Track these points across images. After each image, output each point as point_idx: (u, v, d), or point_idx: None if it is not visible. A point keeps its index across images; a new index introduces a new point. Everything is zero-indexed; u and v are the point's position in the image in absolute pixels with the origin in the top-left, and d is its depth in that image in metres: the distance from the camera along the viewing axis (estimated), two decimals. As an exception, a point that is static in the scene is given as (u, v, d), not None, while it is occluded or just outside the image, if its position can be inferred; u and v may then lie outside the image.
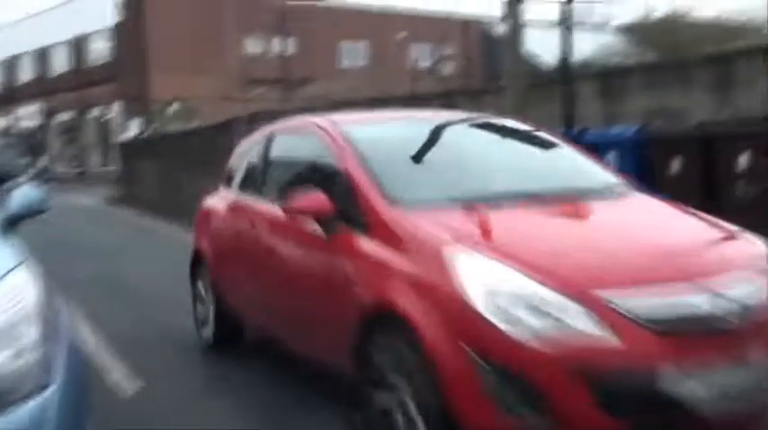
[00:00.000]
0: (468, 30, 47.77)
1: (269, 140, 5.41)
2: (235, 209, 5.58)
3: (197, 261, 6.13)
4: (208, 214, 6.13)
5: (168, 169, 18.79)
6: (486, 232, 3.42)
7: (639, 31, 32.72)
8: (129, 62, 37.82)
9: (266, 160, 5.34)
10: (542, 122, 9.84)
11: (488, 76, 41.42)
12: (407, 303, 3.28)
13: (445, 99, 11.79)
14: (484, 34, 48.21)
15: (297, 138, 5.07)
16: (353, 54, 45.17)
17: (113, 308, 7.74)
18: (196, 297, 6.16)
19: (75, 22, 40.70)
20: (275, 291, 4.75)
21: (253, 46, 41.70)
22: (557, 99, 10.18)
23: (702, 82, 8.87)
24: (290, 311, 4.57)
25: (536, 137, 4.88)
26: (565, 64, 7.34)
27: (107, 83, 39.01)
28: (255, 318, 5.32)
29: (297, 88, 37.47)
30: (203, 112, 31.05)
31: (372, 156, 4.14)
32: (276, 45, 41.67)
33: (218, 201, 5.98)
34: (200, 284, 6.06)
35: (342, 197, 3.95)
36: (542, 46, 46.28)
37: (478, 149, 4.56)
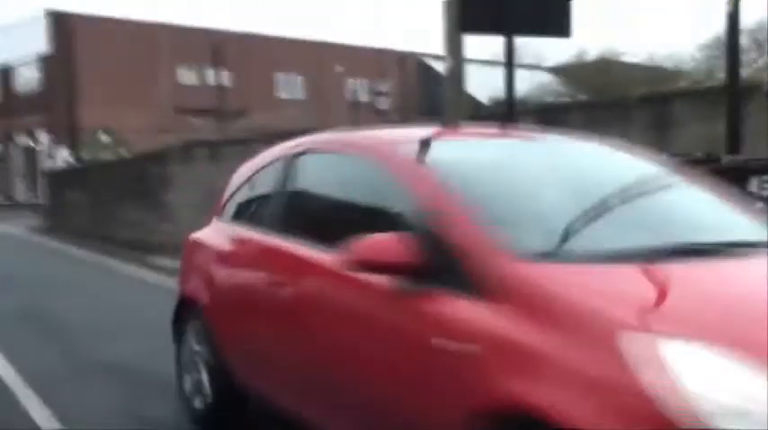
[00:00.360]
0: (404, 64, 48.16)
1: (292, 162, 4.17)
2: (243, 247, 4.38)
3: (185, 309, 4.77)
4: (199, 251, 4.86)
5: (98, 199, 18.26)
6: (674, 304, 2.45)
7: (572, 72, 33.45)
8: (58, 91, 36.98)
9: (289, 188, 4.12)
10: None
11: (426, 110, 41.78)
12: (559, 406, 2.29)
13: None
14: (421, 68, 48.73)
15: (342, 159, 3.82)
16: (290, 86, 45.05)
17: (35, 340, 7.33)
18: (181, 355, 4.78)
19: (3, 50, 39.69)
20: (313, 363, 3.54)
21: (186, 77, 41.25)
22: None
23: (640, 121, 8.97)
24: (337, 393, 3.38)
25: (667, 169, 3.71)
26: (510, 99, 7.29)
27: (36, 111, 38.04)
28: (275, 391, 3.98)
29: (232, 119, 37.13)
30: (134, 143, 30.50)
31: (473, 185, 3.11)
32: (211, 76, 41.30)
33: (214, 235, 4.79)
34: (191, 339, 4.65)
35: (430, 243, 2.86)
36: (476, 84, 47.00)
37: (611, 181, 3.29)
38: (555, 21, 7.24)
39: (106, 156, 29.30)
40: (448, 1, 8.22)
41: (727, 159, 5.12)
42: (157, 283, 11.35)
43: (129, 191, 15.81)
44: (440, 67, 48.79)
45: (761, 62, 32.25)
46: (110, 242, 16.42)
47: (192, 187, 13.81)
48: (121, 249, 15.37)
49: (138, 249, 14.61)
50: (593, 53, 34.18)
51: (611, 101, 10.00)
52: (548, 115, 9.90)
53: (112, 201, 16.88)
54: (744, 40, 33.68)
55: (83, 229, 19.43)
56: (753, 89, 7.79)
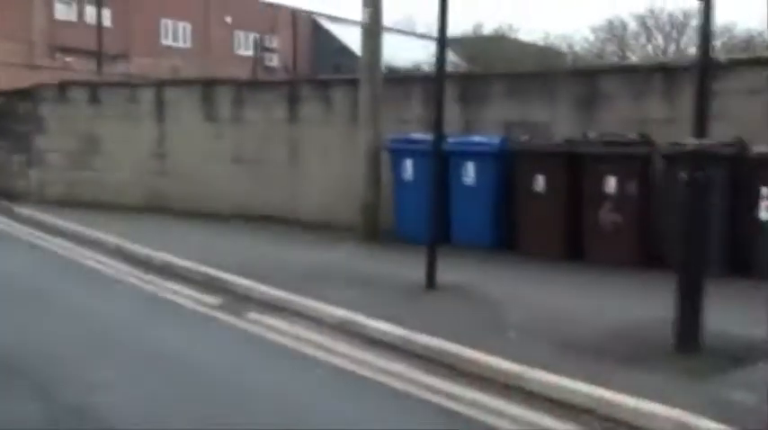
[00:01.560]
0: (296, 21, 46.75)
1: None
2: None
3: None
4: None
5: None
6: None
7: (467, 44, 33.15)
8: None
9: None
10: (402, 124, 9.35)
11: (314, 70, 40.76)
12: None
13: (289, 87, 10.77)
14: (313, 27, 47.47)
15: None
16: (176, 34, 42.83)
17: None
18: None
19: None
20: None
21: (64, 12, 38.48)
22: (414, 99, 9.51)
23: (566, 97, 8.45)
24: None
25: None
26: (441, 61, 6.57)
27: None
28: None
29: (111, 62, 34.94)
30: (1, 78, 28.11)
31: None
32: (91, 14, 38.72)
33: None
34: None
35: None
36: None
37: None
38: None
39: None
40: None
41: (693, 143, 4.57)
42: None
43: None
44: (334, 28, 47.65)
45: (650, 47, 32.98)
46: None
47: (66, 132, 12.48)
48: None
49: (2, 196, 13.16)
50: (488, 28, 34.01)
51: (534, 72, 9.43)
52: (468, 84, 9.25)
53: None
54: (632, 25, 34.25)
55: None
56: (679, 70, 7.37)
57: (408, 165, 8.70)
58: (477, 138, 8.46)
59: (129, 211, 11.18)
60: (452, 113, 8.31)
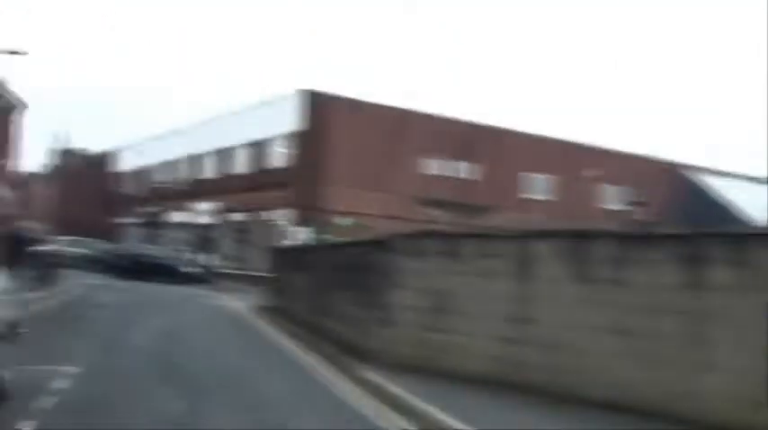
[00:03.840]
0: (669, 174, 43.95)
1: None
2: None
3: None
4: None
5: (317, 284, 16.33)
6: None
7: None
8: (304, 170, 36.81)
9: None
10: None
11: (683, 223, 37.26)
12: None
13: (687, 243, 8.41)
14: (682, 180, 44.35)
15: None
16: (538, 186, 42.22)
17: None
18: None
19: (257, 127, 40.59)
20: None
21: (431, 167, 39.82)
22: None
23: None
24: None
25: None
26: None
27: (281, 188, 38.13)
28: None
29: (475, 214, 34.98)
30: (374, 230, 29.04)
31: None
32: (457, 169, 39.68)
33: None
34: None
35: None
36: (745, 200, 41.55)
37: None
38: None
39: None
40: None
41: None
42: (355, 410, 8.82)
43: (350, 281, 13.61)
44: (712, 181, 43.83)
45: None
46: (322, 337, 14.25)
47: (420, 287, 11.27)
48: (332, 349, 13.10)
49: (349, 353, 12.23)
50: None
51: None
52: None
53: (331, 288, 14.79)
54: None
55: (299, 316, 17.56)
56: None
57: None
58: None
59: (475, 382, 9.45)
60: None
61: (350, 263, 13.80)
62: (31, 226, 39.81)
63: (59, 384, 8.77)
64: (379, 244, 12.04)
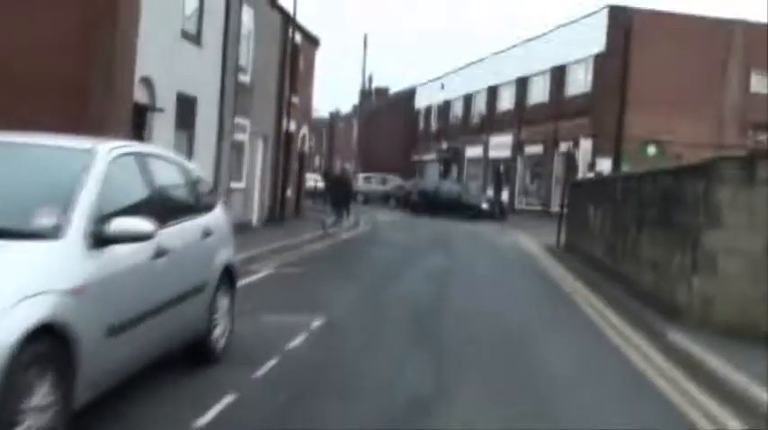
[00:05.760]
0: None
1: None
2: None
3: None
4: None
5: (617, 223, 13.86)
6: None
7: None
8: (605, 96, 33.49)
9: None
10: None
11: None
12: None
13: None
14: None
15: None
16: None
17: None
18: None
19: (557, 53, 37.77)
20: None
21: (757, 84, 34.51)
22: None
23: None
24: None
25: None
26: None
27: (580, 117, 35.22)
28: None
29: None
30: (687, 159, 25.50)
31: None
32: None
33: None
34: None
35: None
36: None
37: None
38: None
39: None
40: None
41: None
42: (659, 390, 6.57)
43: (655, 218, 11.05)
44: None
45: None
46: (623, 287, 11.89)
47: (751, 225, 8.54)
48: (631, 301, 10.76)
49: (654, 307, 9.83)
50: None
51: None
52: None
53: (634, 227, 12.30)
54: None
55: (597, 261, 15.24)
56: None
57: None
58: None
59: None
60: None
61: (655, 195, 11.21)
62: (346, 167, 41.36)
63: (295, 341, 7.43)
64: (694, 170, 9.37)
